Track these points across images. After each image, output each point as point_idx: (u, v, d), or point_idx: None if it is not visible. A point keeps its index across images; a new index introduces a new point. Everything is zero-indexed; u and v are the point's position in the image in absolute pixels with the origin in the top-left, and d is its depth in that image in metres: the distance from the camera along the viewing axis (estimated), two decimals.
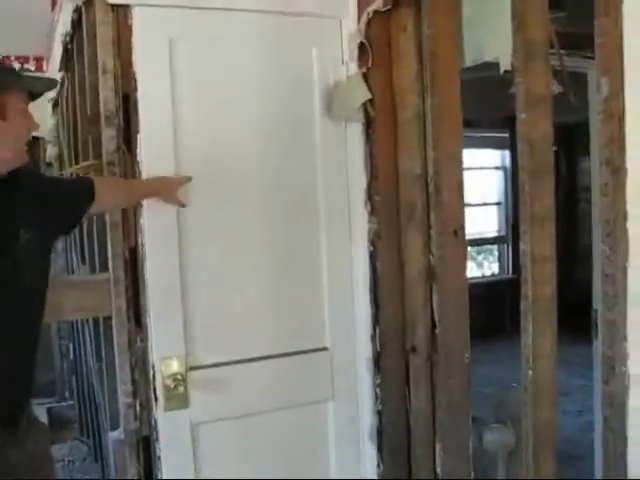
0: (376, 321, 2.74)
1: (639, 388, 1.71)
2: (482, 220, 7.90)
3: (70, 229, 2.41)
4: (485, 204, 7.83)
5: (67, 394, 5.82)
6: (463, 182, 2.45)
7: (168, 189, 2.40)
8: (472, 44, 2.39)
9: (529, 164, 1.99)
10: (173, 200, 2.41)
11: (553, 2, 2.51)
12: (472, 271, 8.69)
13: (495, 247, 8.23)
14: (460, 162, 2.43)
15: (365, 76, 2.67)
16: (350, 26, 2.74)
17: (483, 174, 7.77)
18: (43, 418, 4.76)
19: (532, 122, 1.99)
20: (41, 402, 5.37)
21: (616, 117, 1.68)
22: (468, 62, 2.42)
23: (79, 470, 4.45)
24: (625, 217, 1.68)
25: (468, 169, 7.84)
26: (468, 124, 7.16)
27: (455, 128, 2.41)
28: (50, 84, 1.96)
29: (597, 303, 3.03)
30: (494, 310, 6.42)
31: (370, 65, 2.66)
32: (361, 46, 2.68)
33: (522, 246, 2.03)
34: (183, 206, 2.43)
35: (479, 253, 8.52)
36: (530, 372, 2.05)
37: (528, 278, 2.02)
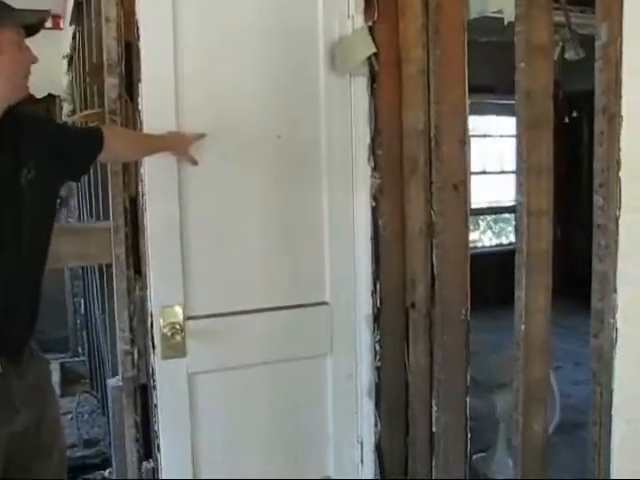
0: (377, 277, 2.73)
1: (626, 341, 1.70)
2: (500, 188, 7.82)
3: (79, 174, 2.37)
4: (503, 172, 7.74)
5: (80, 350, 5.89)
6: (466, 137, 2.41)
7: (182, 145, 2.39)
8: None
9: (527, 115, 1.96)
10: (186, 156, 2.41)
11: None
12: (491, 240, 8.64)
13: (513, 216, 8.16)
14: (463, 116, 2.40)
15: (371, 30, 2.64)
16: None
17: (503, 141, 7.67)
18: (56, 373, 4.83)
19: (531, 72, 1.96)
20: (55, 357, 5.45)
21: (613, 63, 1.65)
22: (473, 14, 2.38)
23: (87, 422, 4.51)
24: (619, 165, 1.65)
25: (488, 136, 7.77)
26: (491, 90, 7.07)
27: (459, 81, 2.38)
28: (42, 15, 1.92)
29: None
30: (511, 278, 6.38)
31: (376, 19, 2.63)
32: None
33: (518, 198, 2.01)
34: (195, 163, 2.43)
35: (496, 222, 8.46)
36: (523, 327, 2.03)
37: (524, 231, 2.00)
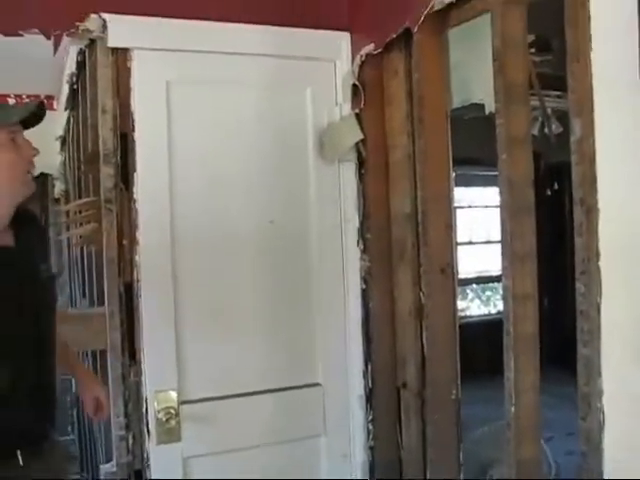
0: (368, 357, 2.77)
1: (614, 425, 1.74)
2: (487, 258, 7.93)
3: None
4: (489, 242, 7.86)
5: (69, 428, 5.83)
6: (452, 221, 2.49)
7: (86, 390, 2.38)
8: (459, 86, 2.46)
9: (509, 203, 2.04)
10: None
11: (542, 45, 2.59)
12: (479, 308, 8.69)
13: (500, 285, 8.26)
14: (448, 201, 2.48)
15: (358, 117, 2.74)
16: (344, 68, 2.83)
17: (488, 211, 7.80)
18: None
19: (512, 163, 2.04)
20: None
21: (588, 157, 1.73)
22: (456, 104, 2.49)
23: None
24: (598, 256, 1.72)
25: (474, 207, 7.91)
26: (476, 162, 7.22)
27: (443, 168, 2.47)
28: (30, 108, 1.85)
29: None
30: (500, 347, 6.41)
31: (362, 106, 2.74)
32: (354, 88, 2.77)
33: (504, 283, 2.07)
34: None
35: (484, 291, 8.54)
36: (512, 408, 2.07)
37: (510, 315, 2.06)
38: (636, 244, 1.81)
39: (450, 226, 2.49)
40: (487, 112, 2.33)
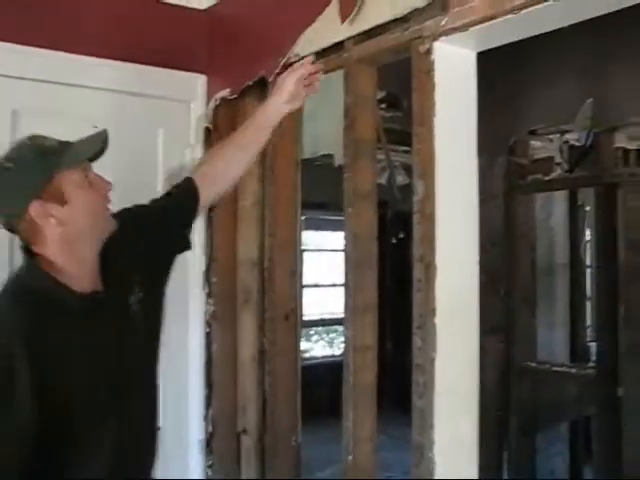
0: (209, 402, 2.74)
1: (444, 474, 1.81)
2: (333, 300, 8.08)
3: (184, 247, 2.02)
4: (334, 285, 8.01)
5: None
6: (297, 268, 2.53)
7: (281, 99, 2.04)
8: (310, 138, 2.53)
9: (353, 256, 2.10)
10: (299, 97, 2.06)
11: (392, 101, 2.70)
12: (324, 349, 8.81)
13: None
14: (295, 249, 2.52)
15: None
16: (198, 110, 2.83)
17: (334, 256, 7.97)
18: None
19: (357, 216, 2.11)
20: None
21: (429, 217, 1.82)
22: (307, 154, 2.55)
23: None
24: (434, 312, 1.80)
25: (321, 250, 8.06)
26: (325, 207, 7.36)
27: (291, 216, 2.51)
28: (93, 142, 1.65)
29: None
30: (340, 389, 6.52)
31: None
32: (207, 131, 2.77)
33: (345, 333, 2.12)
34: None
35: (328, 332, 8.68)
36: (350, 457, 2.11)
37: (350, 365, 2.10)
38: (470, 302, 1.92)
39: (295, 273, 2.53)
40: (336, 164, 2.41)
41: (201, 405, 2.75)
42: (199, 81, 2.84)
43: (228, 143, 2.05)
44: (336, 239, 7.92)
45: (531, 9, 1.60)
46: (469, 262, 1.91)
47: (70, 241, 1.58)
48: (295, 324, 2.52)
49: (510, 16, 1.64)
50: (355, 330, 2.10)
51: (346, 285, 2.13)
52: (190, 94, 2.82)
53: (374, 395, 2.14)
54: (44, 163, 1.54)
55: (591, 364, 4.68)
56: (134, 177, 2.66)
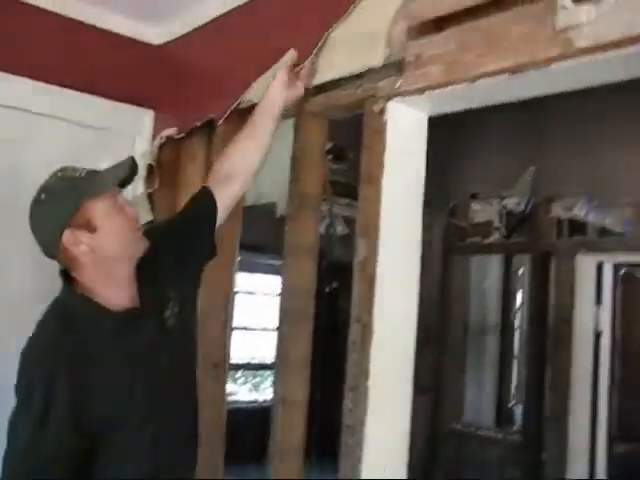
0: None
1: None
2: (261, 344, 7.99)
3: (212, 253, 2.01)
4: (265, 329, 7.93)
5: None
6: (229, 317, 2.47)
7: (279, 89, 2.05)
8: (254, 187, 2.47)
9: (289, 310, 2.06)
10: (297, 89, 2.06)
11: (338, 154, 2.69)
12: (249, 393, 8.68)
13: (272, 372, 8.32)
14: (228, 298, 2.46)
15: (150, 197, 2.68)
16: (143, 145, 2.78)
17: (266, 300, 7.90)
18: None
19: (296, 269, 2.08)
20: None
21: (369, 278, 1.79)
22: (248, 202, 2.50)
23: None
24: (367, 375, 1.76)
25: (252, 293, 7.98)
26: (261, 249, 7.30)
27: (227, 264, 2.44)
28: (121, 169, 1.68)
29: None
30: (265, 436, 6.37)
31: (156, 187, 2.68)
32: (150, 167, 2.71)
33: (275, 388, 2.07)
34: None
35: (255, 377, 8.56)
36: None
37: (278, 421, 2.05)
38: (405, 364, 1.89)
39: (227, 322, 2.47)
40: (278, 215, 2.38)
41: None
42: (146, 116, 2.80)
43: (238, 137, 2.06)
44: (269, 282, 7.87)
45: (486, 80, 1.61)
46: (407, 325, 1.88)
47: (103, 265, 1.63)
48: (223, 373, 2.45)
49: (465, 84, 1.66)
50: (286, 385, 2.05)
51: (279, 338, 2.08)
52: (136, 129, 2.77)
53: (300, 454, 2.09)
54: (73, 193, 1.61)
55: (516, 428, 4.71)
56: None
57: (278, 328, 2.09)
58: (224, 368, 2.46)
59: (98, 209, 1.62)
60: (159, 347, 1.69)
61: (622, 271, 4.07)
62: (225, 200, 1.97)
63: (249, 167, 2.04)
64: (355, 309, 1.82)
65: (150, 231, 1.81)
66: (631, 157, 3.26)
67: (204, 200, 1.97)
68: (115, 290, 1.65)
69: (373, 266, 1.79)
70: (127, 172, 1.68)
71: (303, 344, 2.08)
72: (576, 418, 3.85)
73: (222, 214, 1.97)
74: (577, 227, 3.87)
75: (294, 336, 2.06)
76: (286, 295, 2.08)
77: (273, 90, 2.04)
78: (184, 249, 1.88)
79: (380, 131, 1.82)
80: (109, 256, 1.63)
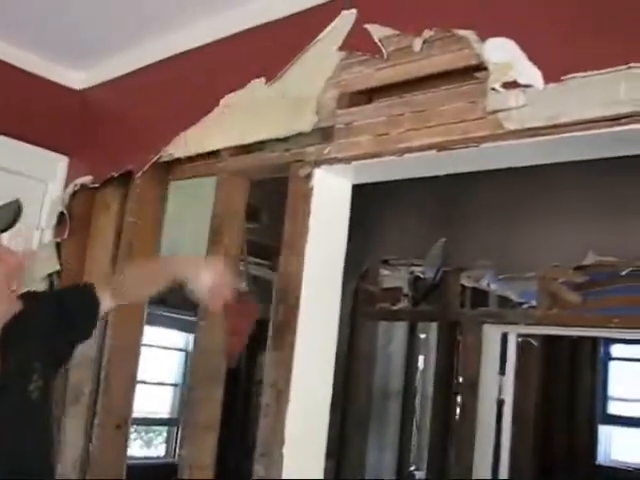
0: None
1: None
2: (156, 400, 7.76)
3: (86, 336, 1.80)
4: (162, 384, 7.73)
5: None
6: (136, 375, 2.39)
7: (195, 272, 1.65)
8: (169, 239, 2.41)
9: (201, 371, 2.01)
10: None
11: (250, 214, 2.68)
12: (141, 450, 8.38)
13: (165, 428, 8.06)
14: (136, 352, 2.38)
15: (58, 246, 2.59)
16: (55, 192, 2.69)
17: (165, 354, 7.73)
18: None
19: (210, 331, 2.03)
20: None
21: (288, 344, 1.77)
22: (164, 252, 2.43)
23: None
24: (282, 442, 1.72)
25: (151, 346, 7.79)
26: (162, 302, 7.15)
27: (137, 320, 2.37)
28: (9, 211, 1.49)
29: None
30: None
31: (66, 236, 2.60)
32: (61, 215, 2.63)
33: (181, 452, 2.00)
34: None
35: (148, 432, 8.28)
36: None
37: None
38: (320, 429, 1.86)
39: (135, 379, 2.38)
40: None
41: None
42: (60, 162, 2.72)
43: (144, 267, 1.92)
44: (167, 336, 7.72)
45: (415, 154, 1.64)
46: (322, 389, 1.86)
47: None
48: (126, 434, 2.35)
49: (393, 157, 1.68)
50: (193, 449, 1.98)
51: (189, 401, 2.02)
52: (49, 174, 2.68)
53: None
54: None
55: None
56: None
57: (188, 391, 2.03)
58: (127, 429, 2.37)
59: None
60: (18, 421, 1.47)
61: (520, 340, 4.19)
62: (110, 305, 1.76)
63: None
64: (270, 374, 1.79)
65: (26, 296, 1.58)
66: (537, 232, 3.37)
67: (89, 297, 1.72)
68: None
69: (292, 333, 1.77)
70: (11, 217, 1.49)
71: (213, 407, 2.02)
72: None
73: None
74: (480, 297, 3.98)
75: (205, 398, 2.01)
76: (198, 357, 2.03)
77: (201, 275, 1.61)
78: (58, 329, 1.63)
79: (306, 196, 1.82)
80: None
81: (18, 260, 1.48)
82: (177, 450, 7.90)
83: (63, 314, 1.67)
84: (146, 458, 8.01)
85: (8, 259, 1.45)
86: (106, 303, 1.73)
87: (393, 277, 4.10)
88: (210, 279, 1.58)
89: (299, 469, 1.76)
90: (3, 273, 1.43)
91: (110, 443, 2.30)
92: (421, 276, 4.00)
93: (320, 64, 1.87)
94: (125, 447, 2.36)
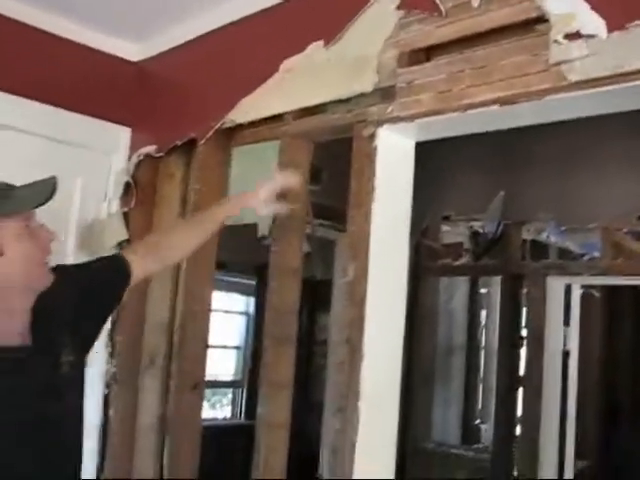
0: (100, 470, 2.58)
1: None
2: (220, 363, 7.91)
3: (108, 315, 1.95)
4: (225, 347, 7.87)
5: None
6: (208, 338, 2.46)
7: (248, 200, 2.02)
8: None
9: (273, 331, 2.06)
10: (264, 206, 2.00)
11: (312, 175, 2.72)
12: (207, 412, 8.57)
13: (230, 390, 8.23)
14: (207, 318, 2.45)
15: (125, 216, 2.66)
16: (119, 163, 2.75)
17: (226, 317, 7.85)
18: None
19: (281, 292, 2.08)
20: None
21: (359, 300, 1.80)
22: (229, 221, 2.49)
23: None
24: (357, 395, 1.77)
25: (215, 311, 7.93)
26: (222, 266, 7.25)
27: (207, 284, 2.43)
28: (38, 192, 1.53)
29: None
30: (224, 456, 6.25)
31: (132, 206, 2.66)
32: (126, 185, 2.69)
33: (259, 410, 2.06)
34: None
35: (214, 395, 8.47)
36: None
37: (260, 446, 2.04)
38: (393, 385, 1.90)
39: (207, 342, 2.45)
40: (259, 235, 2.37)
41: (93, 473, 2.58)
42: (123, 134, 2.77)
43: (186, 221, 2.09)
44: (228, 300, 7.83)
45: (477, 110, 1.64)
46: (395, 345, 1.90)
47: (1, 292, 1.50)
48: (201, 395, 2.43)
49: (456, 114, 1.69)
50: (270, 407, 2.04)
51: (263, 360, 2.08)
52: (112, 146, 2.74)
53: (284, 476, 2.08)
54: None
55: (482, 446, 4.76)
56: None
57: (264, 349, 2.08)
58: (202, 391, 2.45)
59: (8, 231, 1.50)
60: (46, 393, 1.54)
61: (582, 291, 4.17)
62: (145, 271, 1.89)
63: (183, 254, 2.06)
64: (342, 331, 1.83)
65: (59, 269, 1.66)
66: (598, 182, 3.34)
67: (119, 267, 1.82)
68: (7, 321, 1.51)
69: (363, 290, 1.80)
70: (46, 195, 1.53)
71: (286, 366, 2.08)
72: (546, 434, 3.88)
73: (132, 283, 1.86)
74: (540, 250, 3.95)
75: (277, 357, 2.06)
76: (270, 317, 2.07)
77: (247, 202, 2.01)
78: (88, 302, 1.72)
79: (370, 156, 1.84)
80: (10, 283, 1.51)
81: (51, 235, 1.58)
82: (243, 411, 8.14)
83: (92, 287, 1.75)
84: (213, 420, 8.22)
85: (41, 234, 1.56)
86: (138, 271, 1.83)
87: (454, 233, 4.10)
88: (267, 189, 1.96)
89: (375, 422, 1.80)
90: (39, 247, 1.54)
91: (186, 404, 2.39)
92: (481, 231, 3.99)
93: (379, 24, 1.87)
94: (200, 407, 2.45)
